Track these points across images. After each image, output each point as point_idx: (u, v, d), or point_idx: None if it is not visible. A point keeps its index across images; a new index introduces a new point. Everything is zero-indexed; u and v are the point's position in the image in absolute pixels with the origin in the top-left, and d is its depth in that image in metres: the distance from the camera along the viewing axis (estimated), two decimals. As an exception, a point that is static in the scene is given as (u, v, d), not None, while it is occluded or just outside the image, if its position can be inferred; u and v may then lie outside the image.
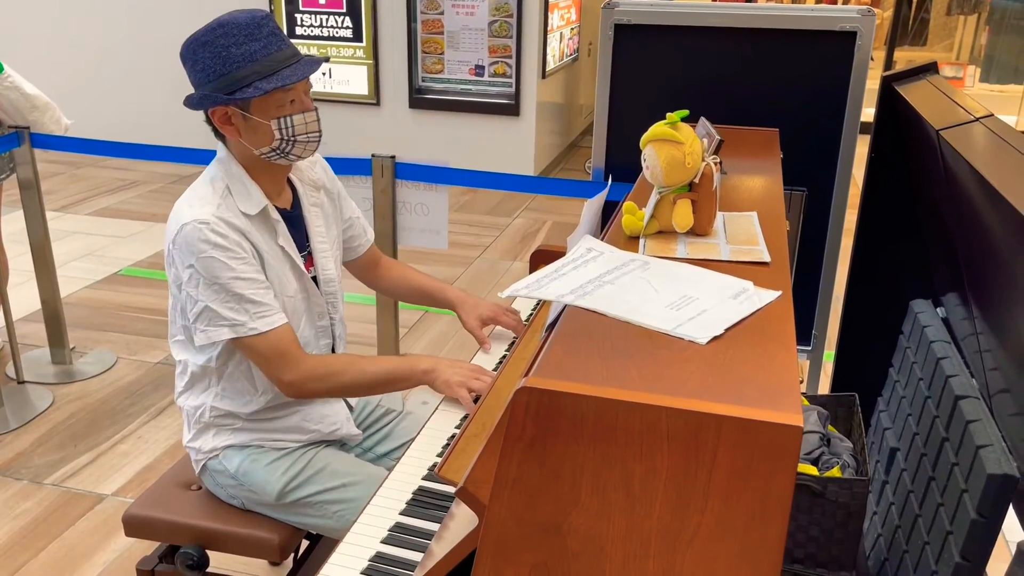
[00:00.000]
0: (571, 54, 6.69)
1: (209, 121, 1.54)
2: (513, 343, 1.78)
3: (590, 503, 0.85)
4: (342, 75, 6.01)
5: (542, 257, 2.25)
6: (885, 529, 1.31)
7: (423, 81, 5.94)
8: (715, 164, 1.25)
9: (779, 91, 2.38)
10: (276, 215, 1.59)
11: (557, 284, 1.11)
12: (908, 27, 8.62)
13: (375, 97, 6.01)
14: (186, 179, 5.77)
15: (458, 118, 5.93)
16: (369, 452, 1.78)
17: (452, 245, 4.68)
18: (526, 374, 0.87)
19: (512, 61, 5.73)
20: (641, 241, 1.25)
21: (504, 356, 1.74)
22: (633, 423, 0.81)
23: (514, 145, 5.93)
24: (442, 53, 5.83)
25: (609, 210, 2.33)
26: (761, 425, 0.78)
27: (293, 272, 1.61)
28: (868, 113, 1.79)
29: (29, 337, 3.47)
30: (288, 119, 1.51)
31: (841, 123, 2.39)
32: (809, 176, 2.39)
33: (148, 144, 3.22)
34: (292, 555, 1.75)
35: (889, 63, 8.01)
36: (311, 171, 1.72)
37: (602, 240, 1.27)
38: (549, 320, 1.17)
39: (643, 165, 1.25)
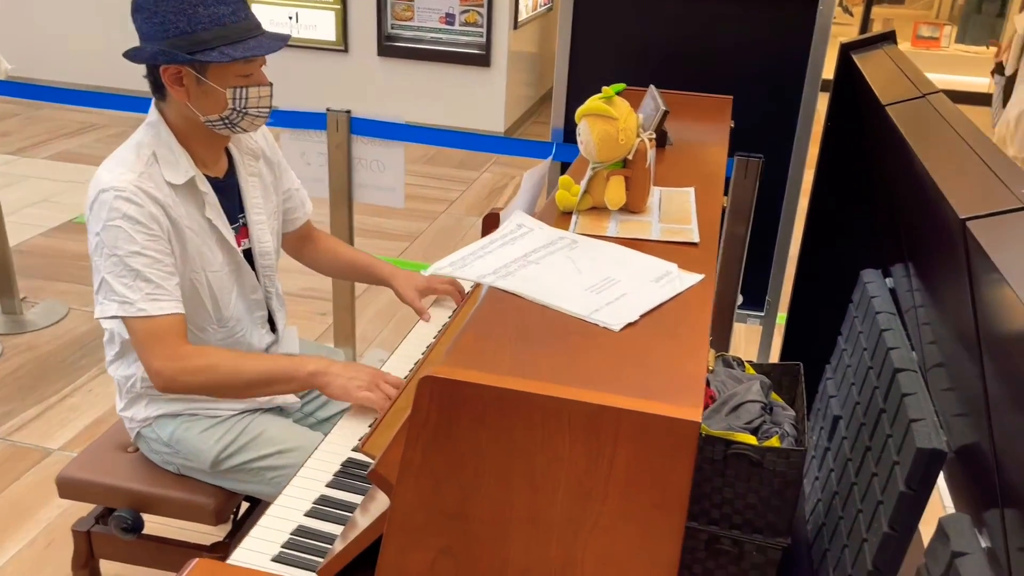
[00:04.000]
0: (545, 4, 6.55)
1: (151, 76, 1.49)
2: (456, 309, 1.77)
3: (493, 490, 0.85)
4: (309, 19, 5.85)
5: (494, 221, 2.22)
6: (824, 495, 1.33)
7: (392, 28, 5.80)
8: (650, 140, 1.23)
9: (740, 55, 2.35)
10: (205, 186, 1.54)
11: (482, 263, 1.09)
12: (887, -16, 8.52)
13: (343, 43, 5.87)
14: (148, 124, 5.63)
15: (428, 67, 5.82)
16: (310, 417, 1.77)
17: (417, 199, 4.62)
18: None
19: (483, 10, 5.60)
20: (573, 217, 1.23)
21: (447, 323, 1.73)
22: (535, 414, 0.81)
23: (485, 96, 5.84)
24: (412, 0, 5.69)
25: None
26: (659, 419, 0.78)
27: (220, 246, 1.57)
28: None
29: (-22, 286, 3.40)
30: (243, 90, 1.47)
31: (801, 89, 2.37)
32: (768, 142, 2.37)
33: (100, 91, 3.13)
34: (232, 516, 1.75)
35: (866, 22, 7.94)
36: (250, 140, 1.67)
37: (536, 215, 1.25)
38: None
39: (578, 140, 1.22)
